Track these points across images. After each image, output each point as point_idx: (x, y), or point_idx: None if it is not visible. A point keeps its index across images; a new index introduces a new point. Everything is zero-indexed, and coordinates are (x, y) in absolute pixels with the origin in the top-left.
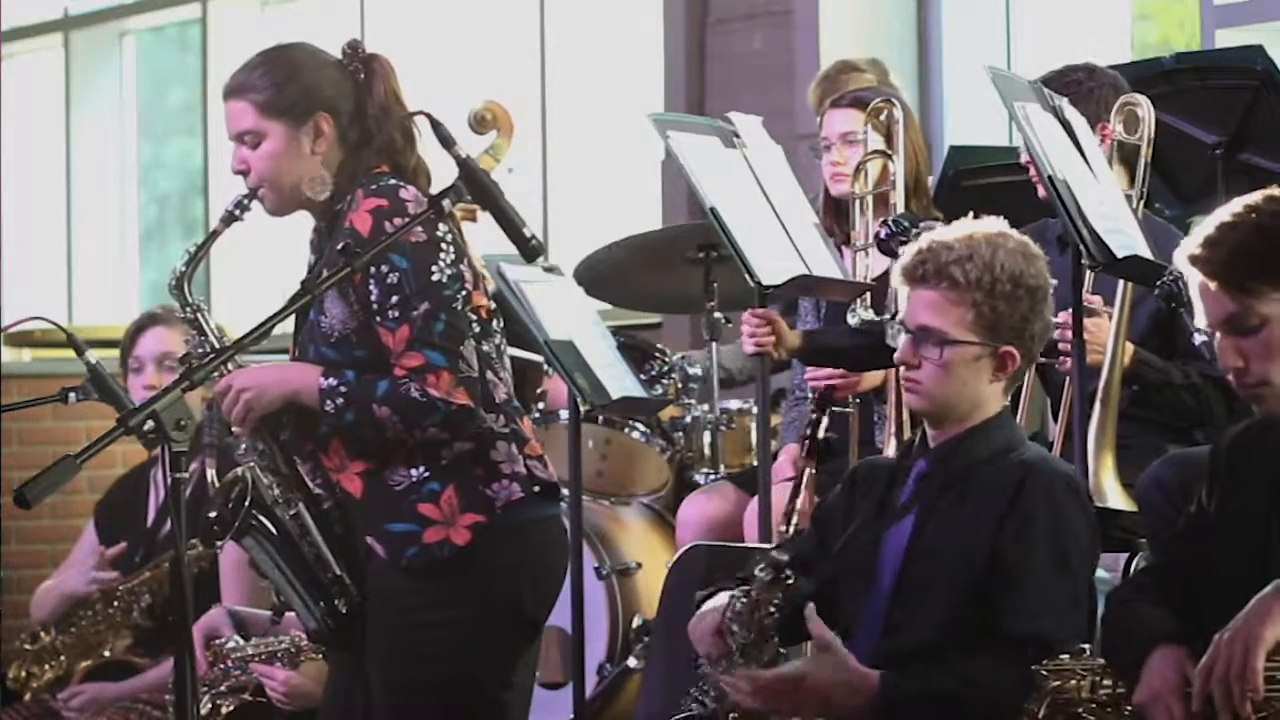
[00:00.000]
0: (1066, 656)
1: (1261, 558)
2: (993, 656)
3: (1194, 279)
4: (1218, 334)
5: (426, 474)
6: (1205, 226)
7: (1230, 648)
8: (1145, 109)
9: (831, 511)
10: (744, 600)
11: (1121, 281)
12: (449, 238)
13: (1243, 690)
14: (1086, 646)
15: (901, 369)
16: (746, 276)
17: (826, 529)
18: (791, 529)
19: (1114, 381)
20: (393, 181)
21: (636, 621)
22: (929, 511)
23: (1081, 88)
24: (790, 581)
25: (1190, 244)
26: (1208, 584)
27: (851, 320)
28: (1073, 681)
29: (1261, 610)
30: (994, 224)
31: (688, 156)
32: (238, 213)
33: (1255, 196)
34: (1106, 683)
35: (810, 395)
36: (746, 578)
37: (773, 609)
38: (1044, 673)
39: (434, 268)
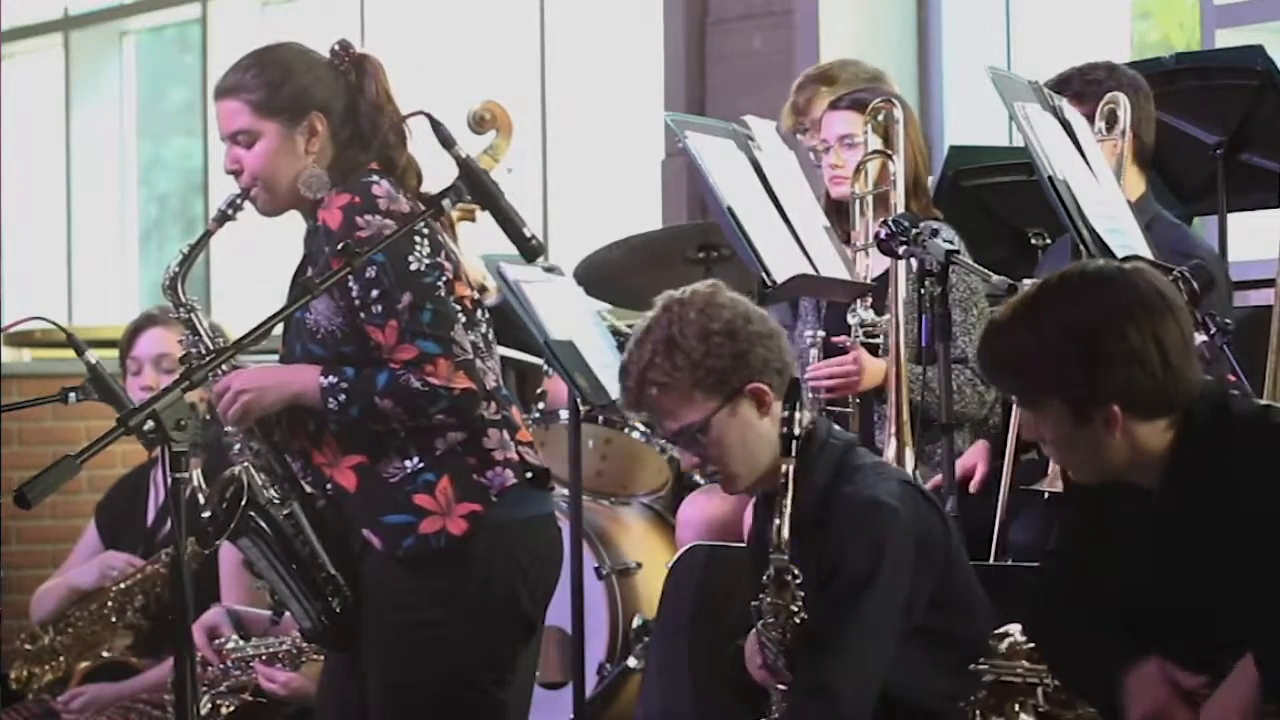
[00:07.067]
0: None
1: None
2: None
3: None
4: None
5: (421, 465)
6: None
7: None
8: (1123, 107)
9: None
10: (770, 619)
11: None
12: (424, 230)
13: None
14: (1010, 629)
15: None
16: (763, 276)
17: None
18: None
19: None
20: (366, 178)
21: (636, 621)
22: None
23: (1102, 87)
24: (799, 580)
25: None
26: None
27: (851, 320)
28: (1012, 672)
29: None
30: (662, 301)
31: (705, 157)
32: (230, 212)
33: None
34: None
35: (810, 395)
36: (757, 597)
37: (795, 608)
38: (981, 667)
39: (410, 258)
